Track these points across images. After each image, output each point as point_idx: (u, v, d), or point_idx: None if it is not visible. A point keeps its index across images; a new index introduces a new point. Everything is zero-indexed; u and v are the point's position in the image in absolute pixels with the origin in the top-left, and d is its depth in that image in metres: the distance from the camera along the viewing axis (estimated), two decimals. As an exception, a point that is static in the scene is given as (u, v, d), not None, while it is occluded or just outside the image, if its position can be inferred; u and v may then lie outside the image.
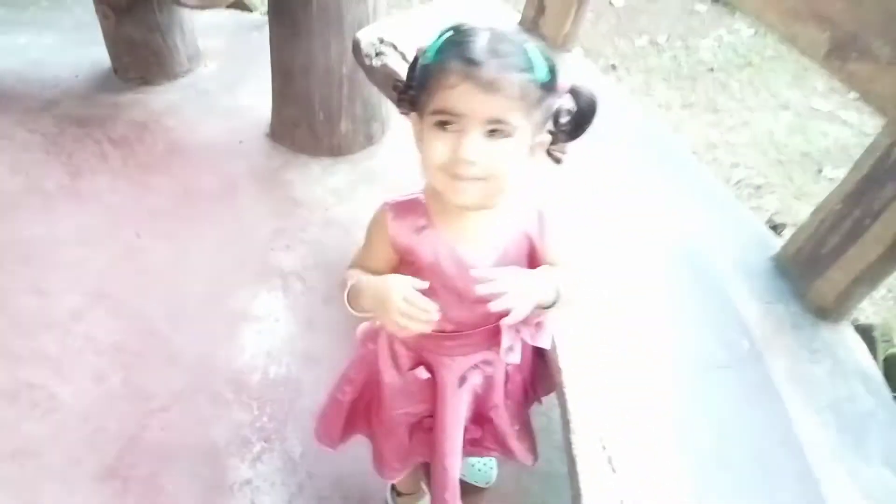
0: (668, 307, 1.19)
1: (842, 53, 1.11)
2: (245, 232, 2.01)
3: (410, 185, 0.96)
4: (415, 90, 0.85)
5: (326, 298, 1.83)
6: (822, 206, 1.19)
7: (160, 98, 2.46)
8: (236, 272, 1.88)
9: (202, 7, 2.19)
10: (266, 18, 2.13)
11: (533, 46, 0.81)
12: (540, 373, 1.15)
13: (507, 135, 0.80)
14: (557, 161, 0.90)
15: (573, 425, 0.99)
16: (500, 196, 0.87)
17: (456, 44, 0.80)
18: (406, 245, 0.94)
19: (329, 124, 2.24)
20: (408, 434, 1.16)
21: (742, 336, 1.14)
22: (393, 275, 0.90)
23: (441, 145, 0.81)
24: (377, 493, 1.44)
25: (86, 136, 2.26)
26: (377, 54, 1.71)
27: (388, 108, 2.32)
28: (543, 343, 1.00)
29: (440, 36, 0.83)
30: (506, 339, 0.95)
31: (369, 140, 2.35)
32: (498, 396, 1.11)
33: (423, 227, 0.92)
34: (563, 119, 0.86)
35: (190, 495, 1.43)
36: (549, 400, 1.18)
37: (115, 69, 2.53)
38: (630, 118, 1.65)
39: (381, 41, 1.73)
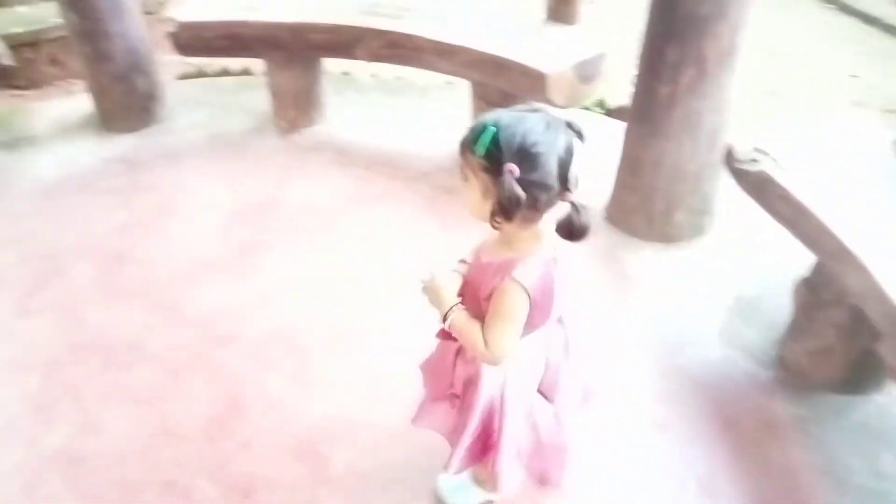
0: None
1: None
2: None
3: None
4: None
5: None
6: None
7: (509, 176, 2.90)
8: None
9: (565, 106, 2.58)
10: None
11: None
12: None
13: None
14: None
15: None
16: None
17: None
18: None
19: (666, 214, 2.47)
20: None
21: None
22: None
23: None
24: None
25: (453, 202, 2.75)
26: (752, 160, 1.91)
27: (720, 204, 2.50)
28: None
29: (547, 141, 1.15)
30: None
31: (698, 231, 2.54)
32: None
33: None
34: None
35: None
36: None
37: (474, 149, 3.05)
38: None
39: (756, 149, 1.93)
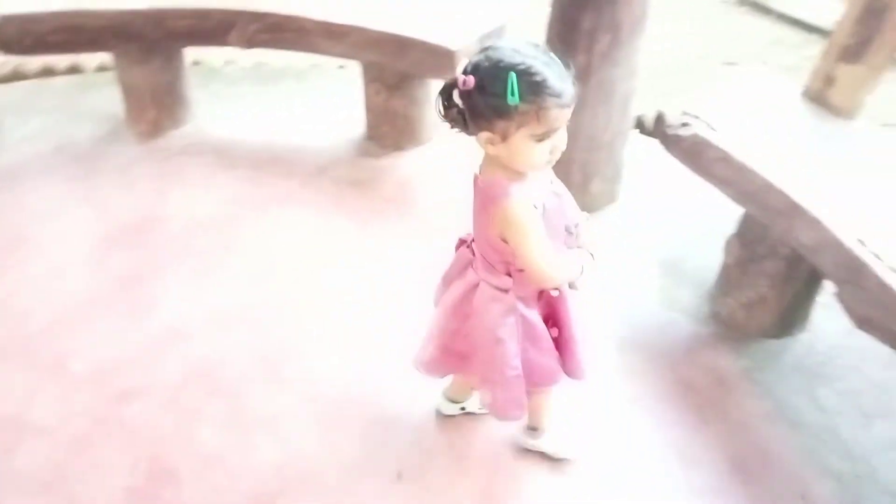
0: None
1: None
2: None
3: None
4: (486, 119, 1.10)
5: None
6: None
7: (415, 161, 2.74)
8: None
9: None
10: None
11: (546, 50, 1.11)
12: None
13: None
14: None
15: None
16: None
17: (534, 84, 1.06)
18: (541, 212, 1.22)
19: (583, 185, 2.44)
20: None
21: None
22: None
23: (541, 150, 1.13)
24: None
25: (363, 196, 2.54)
26: (683, 125, 1.91)
27: (629, 169, 2.52)
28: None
29: (502, 75, 1.05)
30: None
31: (612, 198, 2.54)
32: None
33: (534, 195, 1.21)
34: None
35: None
36: None
37: (371, 137, 2.85)
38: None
39: (686, 113, 1.93)
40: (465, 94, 1.11)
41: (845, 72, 1.89)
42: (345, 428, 1.71)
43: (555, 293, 1.35)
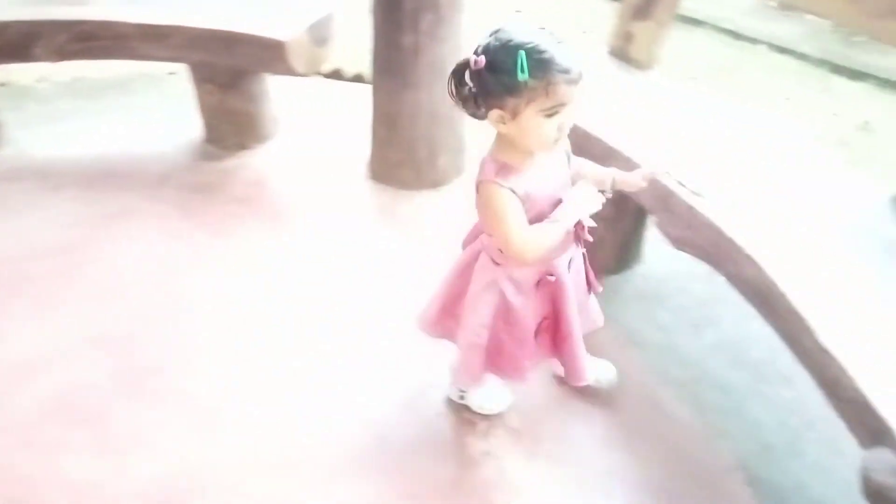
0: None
1: None
2: (386, 255, 2.28)
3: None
4: (499, 97, 1.15)
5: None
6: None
7: (260, 158, 2.71)
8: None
9: (307, 74, 2.46)
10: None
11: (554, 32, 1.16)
12: (589, 278, 1.52)
13: None
14: None
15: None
16: None
17: (543, 60, 1.11)
18: (523, 194, 1.26)
19: (431, 161, 2.55)
20: (534, 338, 1.49)
21: None
22: (583, 187, 1.32)
23: (550, 126, 1.17)
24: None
25: (211, 201, 2.48)
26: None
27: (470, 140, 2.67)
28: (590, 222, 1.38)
29: (517, 55, 1.10)
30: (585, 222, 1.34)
31: (459, 170, 2.68)
32: (580, 282, 1.49)
33: (518, 177, 1.24)
34: None
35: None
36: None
37: (211, 139, 2.78)
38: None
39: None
40: (475, 74, 1.16)
41: (639, 29, 2.13)
42: (222, 433, 1.69)
43: (551, 278, 1.38)
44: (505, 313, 1.42)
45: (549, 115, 1.15)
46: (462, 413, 1.74)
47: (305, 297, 2.09)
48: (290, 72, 2.36)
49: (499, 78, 1.13)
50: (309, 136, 2.88)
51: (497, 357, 1.49)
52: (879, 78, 4.18)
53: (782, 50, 4.54)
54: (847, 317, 1.36)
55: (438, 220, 2.46)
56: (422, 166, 2.56)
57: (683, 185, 1.24)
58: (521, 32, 1.14)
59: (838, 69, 4.32)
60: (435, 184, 2.61)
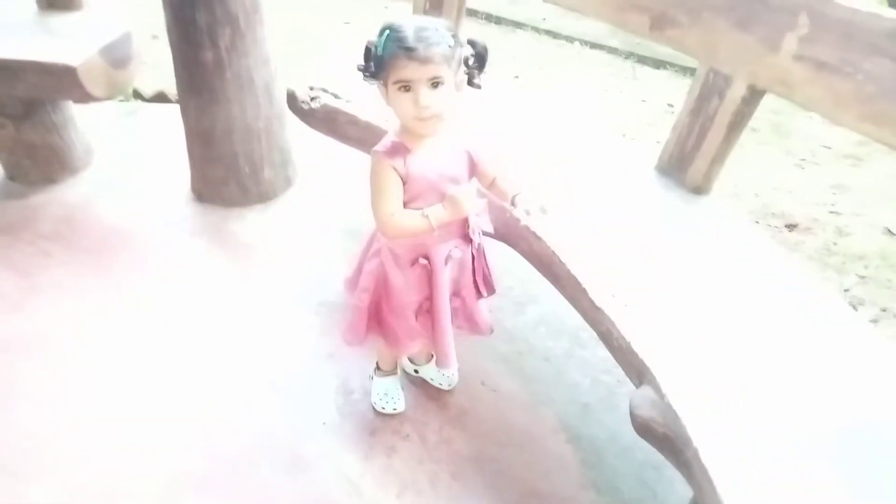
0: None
1: (659, 26, 1.73)
2: (219, 281, 2.23)
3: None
4: (375, 70, 1.27)
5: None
6: (676, 124, 1.80)
7: (72, 191, 2.56)
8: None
9: (107, 97, 2.36)
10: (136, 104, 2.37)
11: (442, 25, 1.25)
12: (486, 278, 1.60)
13: (441, 84, 1.24)
14: (478, 87, 1.34)
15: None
16: (445, 123, 1.31)
17: (395, 39, 1.22)
18: (405, 173, 1.34)
19: (254, 175, 2.52)
20: (413, 317, 1.57)
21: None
22: (458, 192, 1.35)
23: (405, 101, 1.26)
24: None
25: (17, 241, 2.31)
26: (313, 99, 2.08)
27: (298, 151, 2.67)
28: (487, 226, 1.54)
29: (382, 33, 1.25)
30: (471, 223, 1.46)
31: (288, 183, 2.67)
32: (466, 279, 1.57)
33: (407, 156, 1.32)
34: (471, 61, 1.32)
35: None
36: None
37: (13, 176, 2.58)
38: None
39: (312, 88, 2.11)
40: (366, 53, 1.29)
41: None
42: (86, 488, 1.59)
43: (423, 261, 1.45)
44: (384, 283, 1.51)
45: (404, 90, 1.24)
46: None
47: (128, 340, 2.00)
48: (88, 98, 2.25)
49: (370, 54, 1.28)
50: (128, 162, 2.75)
51: (378, 324, 1.60)
52: (677, 65, 4.66)
53: (594, 45, 4.93)
54: (615, 277, 1.52)
55: (269, 235, 2.45)
56: (246, 182, 2.53)
57: (529, 214, 1.35)
58: (404, 20, 1.25)
59: (643, 59, 4.76)
60: (263, 198, 2.59)
